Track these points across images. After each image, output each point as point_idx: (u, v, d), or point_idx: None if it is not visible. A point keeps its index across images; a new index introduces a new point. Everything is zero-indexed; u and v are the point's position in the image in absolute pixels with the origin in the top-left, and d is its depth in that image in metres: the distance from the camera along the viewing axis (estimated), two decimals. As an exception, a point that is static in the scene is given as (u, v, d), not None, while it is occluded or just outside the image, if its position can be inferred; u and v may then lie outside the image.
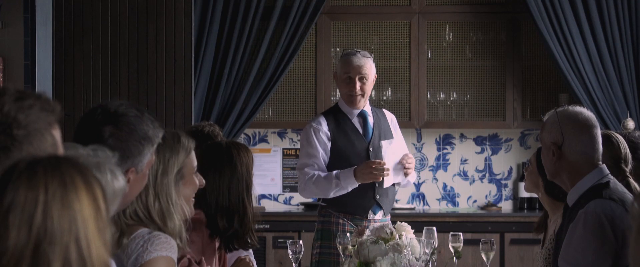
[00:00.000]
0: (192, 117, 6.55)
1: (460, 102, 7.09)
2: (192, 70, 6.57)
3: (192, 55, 6.57)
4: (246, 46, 6.85)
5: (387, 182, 5.17)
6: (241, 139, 7.20)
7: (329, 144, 5.24)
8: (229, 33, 6.84)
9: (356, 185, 5.11)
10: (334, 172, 5.14)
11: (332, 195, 5.14)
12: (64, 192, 1.81)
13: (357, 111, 5.28)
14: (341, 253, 4.54)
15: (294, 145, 7.24)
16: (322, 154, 5.21)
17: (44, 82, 6.37)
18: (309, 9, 6.85)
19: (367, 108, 5.32)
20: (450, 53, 7.09)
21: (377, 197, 5.22)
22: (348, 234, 4.56)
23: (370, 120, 5.31)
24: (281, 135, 7.31)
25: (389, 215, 5.32)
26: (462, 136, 7.31)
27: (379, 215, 5.24)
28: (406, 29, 7.07)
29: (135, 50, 6.53)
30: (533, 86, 7.06)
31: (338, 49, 7.05)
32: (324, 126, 5.24)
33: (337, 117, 5.28)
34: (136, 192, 2.78)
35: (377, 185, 5.20)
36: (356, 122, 5.30)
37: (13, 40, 6.24)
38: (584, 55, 6.75)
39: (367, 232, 4.45)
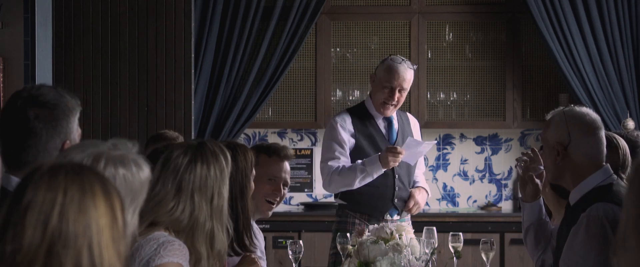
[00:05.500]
0: (192, 117, 6.55)
1: (460, 102, 7.08)
2: (192, 70, 6.56)
3: (192, 55, 6.56)
4: (246, 46, 6.84)
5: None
6: (241, 139, 7.19)
7: (352, 141, 5.23)
8: (229, 33, 6.84)
9: (381, 171, 5.09)
10: (358, 161, 5.14)
11: (357, 184, 5.11)
12: (82, 198, 1.83)
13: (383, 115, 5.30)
14: (341, 253, 4.53)
15: (294, 145, 7.23)
16: (346, 149, 5.20)
17: (44, 82, 6.37)
18: (309, 9, 6.84)
19: (394, 113, 5.33)
20: (450, 53, 7.09)
21: (395, 200, 5.24)
22: (348, 234, 4.55)
23: (395, 124, 5.32)
24: (281, 135, 7.31)
25: (409, 215, 5.32)
26: (462, 136, 7.31)
27: (396, 217, 5.25)
28: (406, 29, 7.06)
29: (135, 50, 6.53)
30: (533, 86, 7.06)
31: (338, 49, 7.05)
32: (348, 123, 5.23)
33: (362, 117, 5.26)
34: None
35: (397, 188, 5.22)
36: (381, 124, 5.29)
37: (13, 40, 6.24)
38: (584, 55, 6.75)
39: (367, 232, 4.45)
